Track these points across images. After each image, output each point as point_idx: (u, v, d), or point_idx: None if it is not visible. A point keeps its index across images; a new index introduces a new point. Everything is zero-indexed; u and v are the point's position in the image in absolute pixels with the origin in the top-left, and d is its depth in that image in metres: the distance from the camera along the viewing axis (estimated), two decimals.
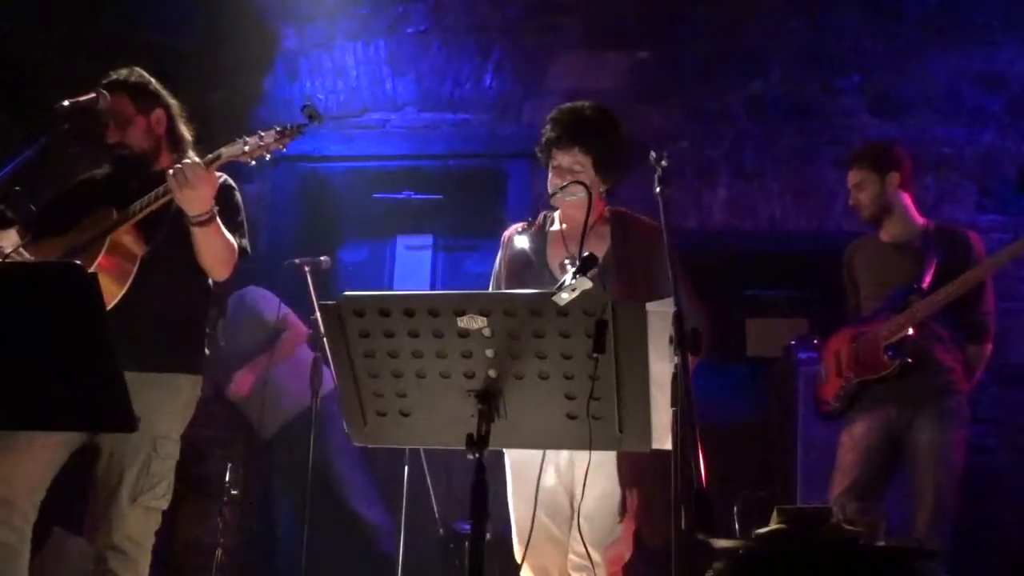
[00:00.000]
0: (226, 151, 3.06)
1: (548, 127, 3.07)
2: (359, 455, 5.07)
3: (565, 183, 2.96)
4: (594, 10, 5.53)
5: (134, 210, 3.06)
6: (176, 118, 3.33)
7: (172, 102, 3.34)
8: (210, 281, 3.26)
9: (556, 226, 3.12)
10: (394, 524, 4.92)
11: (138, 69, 3.33)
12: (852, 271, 4.19)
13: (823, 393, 4.10)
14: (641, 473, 2.93)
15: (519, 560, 2.95)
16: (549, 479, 2.98)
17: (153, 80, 3.33)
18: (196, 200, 2.97)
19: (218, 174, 3.20)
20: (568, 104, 3.11)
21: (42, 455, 2.98)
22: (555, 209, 3.12)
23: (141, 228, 3.10)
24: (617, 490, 2.93)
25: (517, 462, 3.04)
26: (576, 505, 2.95)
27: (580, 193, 2.92)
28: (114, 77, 3.28)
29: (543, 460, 2.81)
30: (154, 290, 3.08)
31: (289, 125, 3.06)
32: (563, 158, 3.02)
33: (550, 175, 3.07)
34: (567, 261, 3.02)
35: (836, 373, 4.02)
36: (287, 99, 5.68)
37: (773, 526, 2.92)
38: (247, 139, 3.06)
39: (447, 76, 5.59)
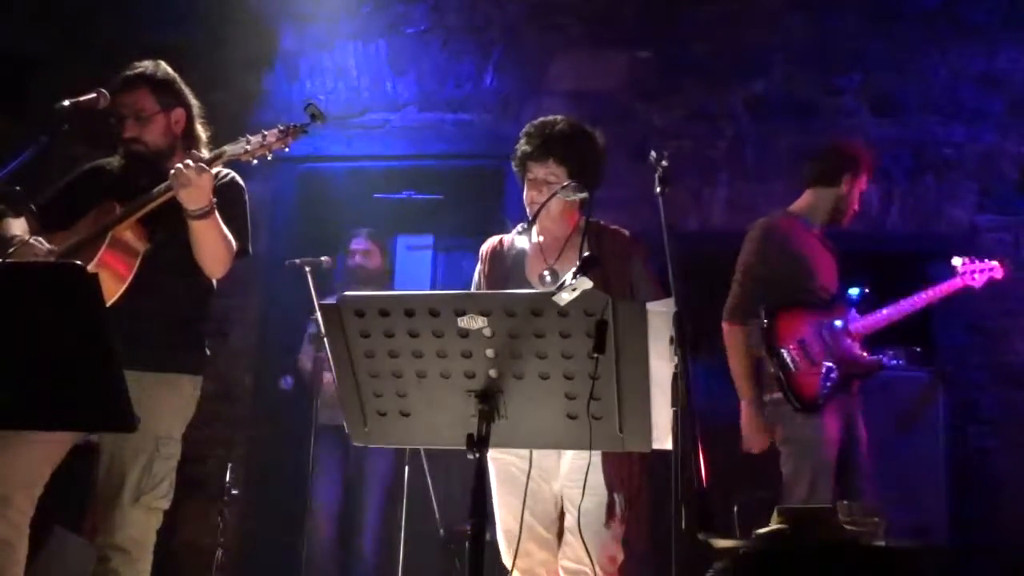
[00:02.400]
0: (229, 149, 3.05)
1: (522, 141, 3.12)
2: (387, 499, 5.08)
3: (556, 191, 2.99)
4: (594, 10, 5.53)
5: (136, 207, 3.05)
6: (195, 119, 3.30)
7: (193, 102, 3.30)
8: (213, 281, 3.26)
9: (535, 239, 3.14)
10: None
11: (163, 64, 3.28)
12: (792, 252, 4.04)
13: (807, 384, 3.90)
14: (627, 476, 2.94)
15: (508, 566, 2.96)
16: (534, 482, 2.98)
17: (178, 78, 3.29)
18: (195, 196, 2.97)
19: (226, 171, 3.20)
20: (541, 119, 3.15)
21: (38, 451, 2.97)
22: (534, 223, 3.13)
23: (143, 225, 3.09)
24: (604, 492, 2.93)
25: (502, 465, 3.04)
26: (565, 507, 2.97)
27: (581, 193, 2.98)
28: (139, 70, 3.22)
29: (531, 463, 2.81)
30: (156, 289, 3.08)
31: (292, 125, 3.06)
32: (538, 170, 3.06)
33: (526, 188, 3.12)
34: (546, 273, 3.07)
35: (810, 361, 3.92)
36: (287, 99, 5.68)
37: (773, 526, 2.92)
38: (249, 138, 3.05)
39: (447, 76, 5.59)
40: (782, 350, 3.91)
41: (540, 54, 5.53)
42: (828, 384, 3.89)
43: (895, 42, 5.24)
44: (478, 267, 3.24)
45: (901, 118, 5.19)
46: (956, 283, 4.12)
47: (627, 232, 3.17)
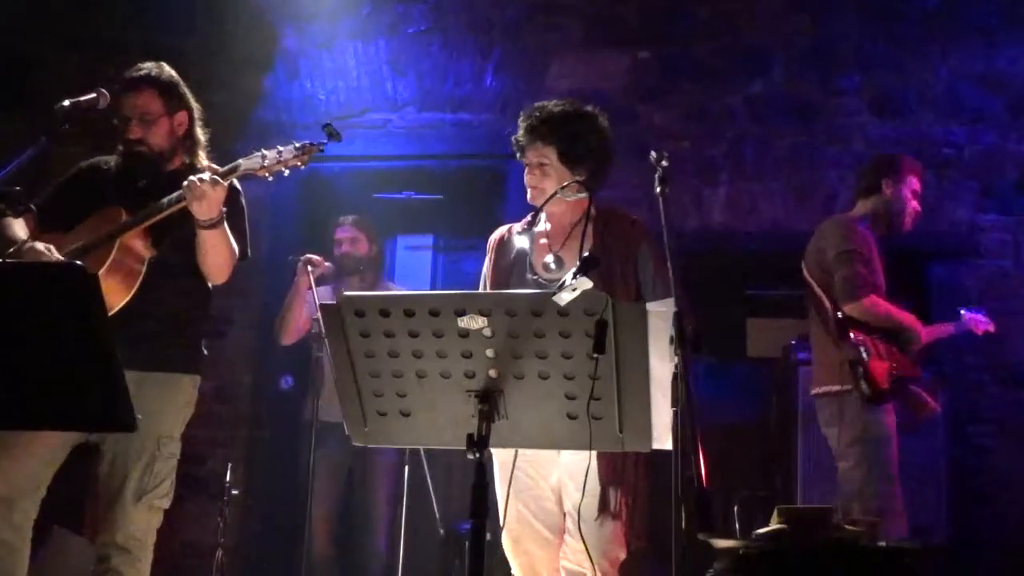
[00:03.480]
0: (244, 163, 3.05)
1: (518, 127, 3.11)
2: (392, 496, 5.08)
3: (559, 187, 2.98)
4: (594, 10, 5.53)
5: (146, 215, 3.05)
6: (195, 121, 3.30)
7: (195, 105, 3.30)
8: (210, 284, 3.26)
9: (542, 226, 3.13)
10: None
11: (166, 66, 3.27)
12: (871, 251, 4.05)
13: (878, 371, 3.90)
14: (622, 473, 2.92)
15: (512, 565, 2.97)
16: (532, 479, 2.99)
17: (181, 80, 3.29)
18: (208, 207, 2.98)
19: None
20: (537, 103, 3.13)
21: (42, 453, 2.98)
22: (542, 210, 3.12)
23: (150, 232, 3.10)
24: (598, 489, 2.91)
25: (505, 465, 3.03)
26: (565, 507, 2.97)
27: (580, 193, 2.96)
28: (144, 72, 3.21)
29: (516, 456, 2.82)
30: (158, 291, 3.09)
31: (308, 143, 3.05)
32: (531, 155, 3.06)
33: (525, 174, 3.11)
34: (550, 260, 3.04)
35: (878, 356, 3.94)
36: (287, 99, 5.67)
37: (773, 526, 2.93)
38: (265, 152, 3.05)
39: (447, 76, 5.59)
40: (854, 335, 3.92)
41: (540, 54, 5.52)
42: (892, 376, 3.92)
43: (895, 42, 5.24)
44: (487, 256, 3.23)
45: (901, 118, 5.19)
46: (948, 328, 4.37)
47: (637, 217, 3.15)
